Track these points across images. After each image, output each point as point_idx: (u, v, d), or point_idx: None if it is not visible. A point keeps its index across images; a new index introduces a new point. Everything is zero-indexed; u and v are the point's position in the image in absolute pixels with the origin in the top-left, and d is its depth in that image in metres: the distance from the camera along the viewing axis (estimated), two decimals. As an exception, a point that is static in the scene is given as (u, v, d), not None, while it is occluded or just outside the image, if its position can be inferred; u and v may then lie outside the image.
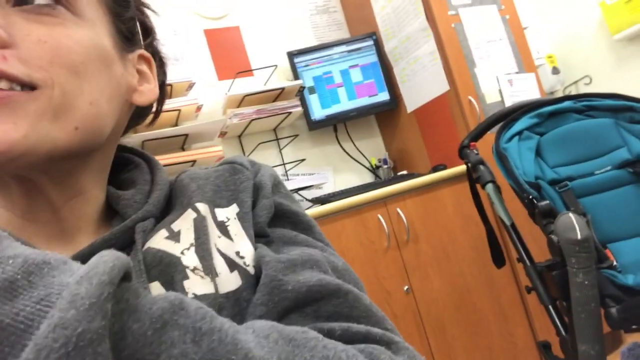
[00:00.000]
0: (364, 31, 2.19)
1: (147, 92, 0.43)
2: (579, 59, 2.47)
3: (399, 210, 1.66)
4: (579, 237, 1.05)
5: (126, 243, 0.37)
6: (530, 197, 1.20)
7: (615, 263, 1.15)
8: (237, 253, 0.39)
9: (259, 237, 0.41)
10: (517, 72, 1.93)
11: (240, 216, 0.41)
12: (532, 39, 2.32)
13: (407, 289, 1.60)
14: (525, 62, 1.95)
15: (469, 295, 1.67)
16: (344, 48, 2.13)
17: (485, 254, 1.45)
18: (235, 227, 0.41)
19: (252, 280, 0.38)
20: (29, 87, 0.33)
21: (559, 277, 1.05)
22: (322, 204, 1.64)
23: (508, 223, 1.29)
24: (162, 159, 1.64)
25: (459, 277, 1.68)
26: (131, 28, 0.43)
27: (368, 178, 2.17)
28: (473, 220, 1.71)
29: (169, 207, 0.42)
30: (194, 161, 1.73)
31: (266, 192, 0.43)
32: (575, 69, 2.49)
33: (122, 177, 0.44)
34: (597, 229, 1.21)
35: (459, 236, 1.72)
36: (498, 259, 1.42)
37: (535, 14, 2.61)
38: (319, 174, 2.08)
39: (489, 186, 1.33)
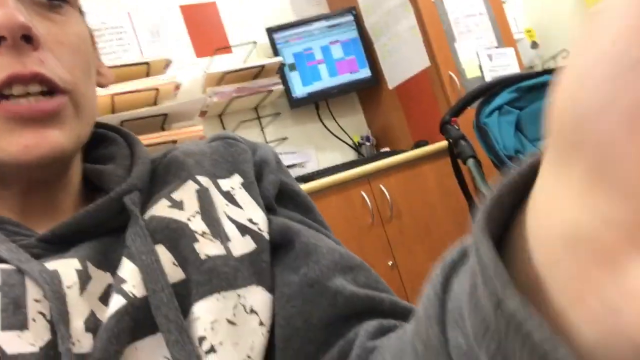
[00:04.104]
0: (343, 6, 2.16)
1: (107, 73, 0.43)
2: (557, 33, 2.49)
3: (382, 186, 1.67)
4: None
5: (112, 214, 0.36)
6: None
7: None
8: (250, 220, 0.39)
9: (267, 211, 0.41)
10: (496, 47, 1.94)
11: (246, 185, 0.41)
12: (511, 14, 2.32)
13: (392, 264, 1.63)
14: (504, 37, 1.96)
15: (451, 268, 1.71)
16: (324, 23, 2.10)
17: (468, 228, 1.47)
18: (242, 196, 0.41)
19: (268, 245, 0.39)
20: (59, 90, 0.34)
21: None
22: (306, 182, 1.64)
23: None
24: (142, 140, 1.61)
25: (443, 250, 1.70)
26: (81, 6, 0.43)
27: (351, 156, 2.17)
28: (455, 195, 1.73)
29: (155, 181, 0.42)
30: (174, 141, 1.70)
31: (272, 167, 0.43)
32: (554, 43, 2.51)
33: (99, 153, 0.43)
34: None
35: (441, 211, 1.75)
36: (479, 232, 1.45)
37: (514, -12, 2.61)
38: (302, 152, 2.08)
39: (470, 161, 1.35)
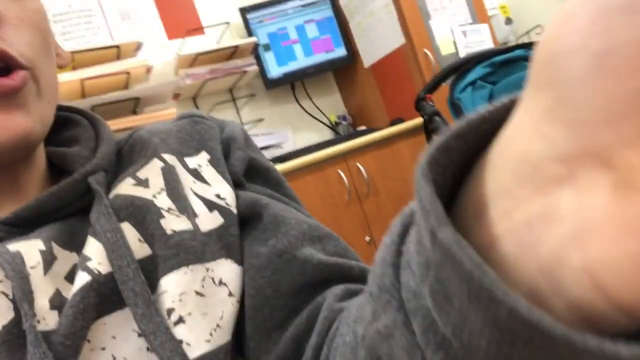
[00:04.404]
0: (317, -16, 2.13)
1: (64, 54, 0.42)
2: (530, 8, 2.50)
3: (359, 164, 1.68)
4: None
5: (77, 195, 0.36)
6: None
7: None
8: (217, 195, 0.39)
9: (235, 186, 0.41)
10: (470, 23, 1.94)
11: (213, 162, 0.41)
12: (485, -11, 2.32)
13: (369, 239, 1.65)
14: (478, 13, 1.96)
15: (429, 243, 1.74)
16: (298, 2, 2.07)
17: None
18: (209, 173, 0.40)
19: (236, 219, 0.39)
20: (19, 67, 0.33)
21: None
22: (283, 162, 1.64)
23: (463, 171, 1.33)
24: (113, 124, 1.58)
25: (419, 226, 1.73)
26: None
27: (328, 135, 2.17)
28: (431, 171, 1.75)
29: (121, 162, 0.41)
30: (148, 125, 1.68)
31: (239, 144, 0.43)
32: (528, 19, 2.52)
33: (63, 136, 0.42)
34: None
35: (417, 187, 1.76)
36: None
37: (488, -36, 2.60)
38: (279, 133, 2.07)
39: (445, 137, 1.36)
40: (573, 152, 0.13)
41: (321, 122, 2.18)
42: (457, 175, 0.17)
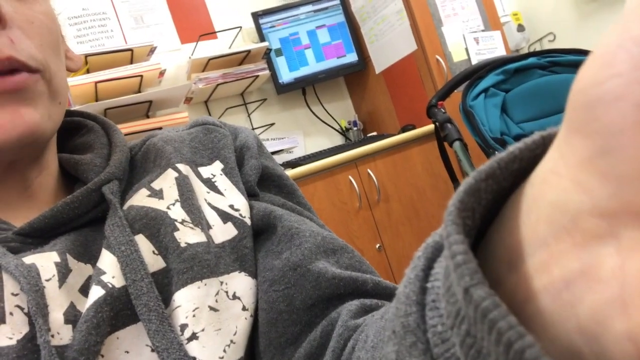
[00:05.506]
0: (329, -10, 2.13)
1: (75, 58, 0.42)
2: (543, 16, 2.49)
3: (369, 171, 1.67)
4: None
5: (91, 205, 0.36)
6: (496, 152, 1.23)
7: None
8: (231, 206, 0.39)
9: (249, 196, 0.41)
10: (483, 30, 1.94)
11: (227, 172, 0.41)
12: (498, -4, 2.31)
13: (379, 246, 1.64)
14: (491, 20, 1.95)
15: (438, 251, 1.72)
16: (310, 8, 2.08)
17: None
18: (223, 183, 0.40)
19: (250, 231, 0.38)
20: (30, 70, 0.33)
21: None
22: (293, 167, 1.63)
23: (475, 179, 1.32)
24: (126, 127, 1.59)
25: (429, 233, 1.72)
26: None
27: (338, 141, 2.17)
28: (442, 178, 1.74)
29: (134, 170, 0.41)
30: (159, 128, 1.68)
31: (253, 152, 0.43)
32: (539, 26, 2.51)
33: (76, 142, 0.42)
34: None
35: (428, 194, 1.76)
36: (466, 214, 1.46)
37: (501, -29, 2.60)
38: (289, 138, 2.07)
39: (456, 144, 1.35)
40: (614, 207, 0.12)
41: (332, 127, 2.18)
42: (484, 215, 0.16)
